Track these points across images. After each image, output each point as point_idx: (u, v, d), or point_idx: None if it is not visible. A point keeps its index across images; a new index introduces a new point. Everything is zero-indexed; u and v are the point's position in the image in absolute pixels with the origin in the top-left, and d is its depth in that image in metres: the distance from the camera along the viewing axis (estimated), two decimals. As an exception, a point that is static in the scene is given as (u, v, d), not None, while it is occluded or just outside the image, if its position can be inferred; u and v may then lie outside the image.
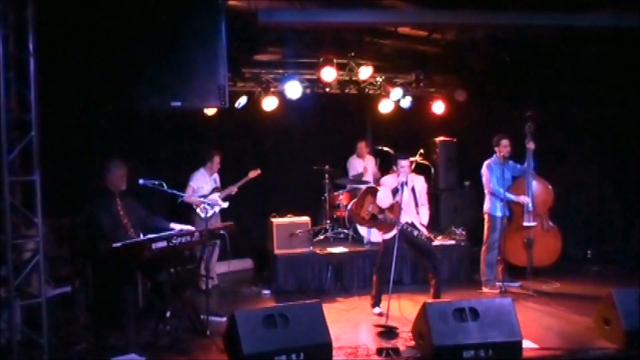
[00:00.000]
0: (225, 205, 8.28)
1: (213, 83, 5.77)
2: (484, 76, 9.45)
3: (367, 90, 9.81)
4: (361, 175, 9.50)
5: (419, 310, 5.43)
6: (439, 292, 6.74)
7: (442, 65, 9.59)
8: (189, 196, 7.65)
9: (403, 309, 6.43)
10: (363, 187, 8.51)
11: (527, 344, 5.39)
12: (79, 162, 7.38)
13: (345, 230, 8.98)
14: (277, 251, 8.16)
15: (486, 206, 7.80)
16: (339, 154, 9.88)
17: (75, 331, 5.92)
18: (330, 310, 6.32)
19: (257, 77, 9.07)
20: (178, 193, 6.32)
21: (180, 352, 5.57)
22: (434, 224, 8.05)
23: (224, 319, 5.96)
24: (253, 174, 8.60)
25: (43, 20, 5.33)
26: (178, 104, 5.74)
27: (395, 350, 5.45)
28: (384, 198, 6.72)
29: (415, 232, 6.56)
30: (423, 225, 6.74)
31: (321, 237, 9.02)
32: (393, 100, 9.56)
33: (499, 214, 7.69)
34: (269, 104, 9.05)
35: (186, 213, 7.85)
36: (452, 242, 8.61)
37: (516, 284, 7.79)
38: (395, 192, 6.62)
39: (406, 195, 6.59)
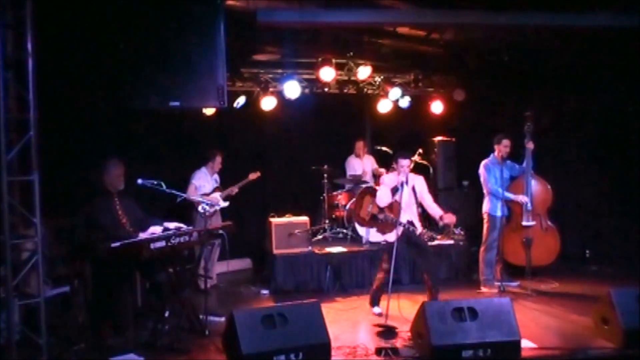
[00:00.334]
0: (226, 204, 8.32)
1: (212, 83, 5.76)
2: (483, 76, 9.45)
3: (365, 90, 9.82)
4: (360, 176, 9.50)
5: (417, 310, 5.43)
6: (435, 295, 6.71)
7: (441, 65, 9.59)
8: (191, 194, 7.69)
9: (402, 309, 6.42)
10: (362, 187, 8.54)
11: (525, 343, 5.39)
12: (77, 162, 7.37)
13: (344, 230, 8.98)
14: (275, 251, 8.16)
15: (486, 206, 7.80)
16: (338, 153, 9.88)
17: (74, 331, 5.92)
18: (328, 310, 6.32)
19: (255, 77, 9.09)
20: (177, 193, 6.32)
21: (179, 352, 5.56)
22: (433, 224, 8.06)
23: (223, 318, 5.98)
24: (253, 176, 8.63)
25: (41, 19, 5.32)
26: (177, 104, 5.74)
27: (394, 350, 5.45)
28: (383, 196, 6.70)
29: (417, 232, 6.53)
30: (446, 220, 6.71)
31: (320, 237, 9.02)
32: (392, 100, 9.57)
33: (498, 213, 7.70)
34: (268, 103, 9.05)
35: (186, 212, 7.85)
36: (451, 241, 8.61)
37: (515, 284, 7.79)
38: (394, 191, 6.60)
39: (406, 195, 6.58)
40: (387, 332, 6.06)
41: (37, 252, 5.26)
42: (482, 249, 7.83)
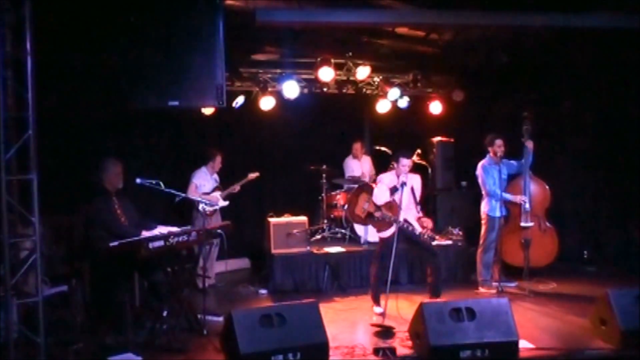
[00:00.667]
0: (226, 203, 8.35)
1: (211, 82, 5.74)
2: (481, 76, 9.46)
3: (364, 90, 9.81)
4: (358, 177, 9.50)
5: (415, 310, 5.41)
6: (437, 292, 6.73)
7: (440, 66, 9.60)
8: (191, 193, 7.73)
9: (400, 309, 6.42)
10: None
11: (523, 344, 5.39)
12: (76, 161, 7.39)
13: (342, 230, 8.99)
14: (274, 251, 8.17)
15: (484, 207, 7.78)
16: (337, 153, 9.88)
17: (72, 330, 5.91)
18: (327, 310, 6.31)
19: (254, 77, 9.08)
20: (175, 192, 6.32)
21: (177, 351, 5.56)
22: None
23: (221, 318, 5.97)
24: (252, 175, 8.65)
25: (40, 19, 5.31)
26: (176, 103, 5.73)
27: (392, 350, 5.44)
28: (380, 195, 6.69)
29: (417, 231, 6.51)
30: (425, 224, 6.72)
31: (318, 236, 9.03)
32: (390, 100, 9.56)
33: (497, 214, 7.70)
34: (267, 103, 9.05)
35: (186, 211, 7.85)
36: (449, 242, 8.62)
37: (513, 284, 7.80)
38: (394, 190, 6.59)
39: (406, 195, 6.58)
40: (385, 332, 6.06)
41: (36, 251, 5.24)
42: (479, 250, 7.83)
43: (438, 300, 6.53)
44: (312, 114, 9.71)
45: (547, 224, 7.96)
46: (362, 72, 9.02)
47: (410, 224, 6.57)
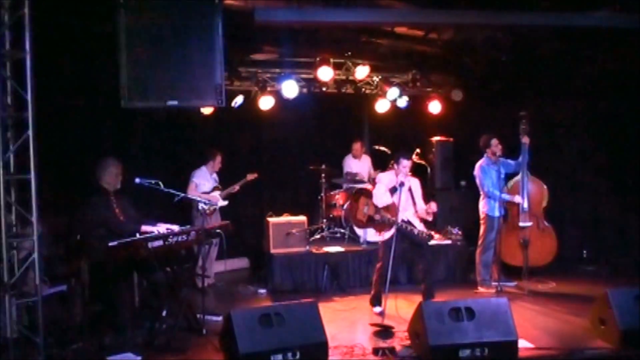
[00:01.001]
0: (225, 203, 8.37)
1: (210, 82, 5.74)
2: (481, 76, 9.47)
3: (363, 89, 9.82)
4: (356, 175, 9.51)
5: (415, 310, 5.42)
6: (431, 294, 6.73)
7: (439, 65, 9.60)
8: (191, 192, 7.78)
9: (399, 309, 6.44)
10: (358, 186, 8.55)
11: (522, 343, 5.39)
12: (75, 161, 7.39)
13: (342, 230, 9.00)
14: (273, 250, 8.18)
15: (483, 207, 7.79)
16: (336, 153, 9.88)
17: (71, 330, 5.91)
18: (326, 310, 6.30)
19: (253, 77, 9.08)
20: (174, 192, 6.33)
21: (176, 351, 5.56)
22: (430, 224, 8.06)
23: (220, 318, 5.98)
24: (251, 176, 8.68)
25: (40, 19, 5.31)
26: (174, 103, 5.73)
27: (392, 350, 5.45)
28: (380, 196, 6.70)
29: (416, 231, 6.51)
30: (423, 223, 6.72)
31: (317, 236, 9.03)
32: (390, 99, 9.56)
33: (496, 214, 7.71)
34: (266, 103, 9.05)
35: (185, 210, 7.86)
36: (449, 241, 8.63)
37: (512, 284, 7.81)
38: (393, 191, 6.60)
39: (404, 196, 6.58)
40: (385, 332, 6.06)
41: (35, 251, 5.25)
42: (478, 249, 7.84)
43: (437, 300, 6.53)
44: (311, 114, 9.72)
45: (546, 224, 7.97)
46: (361, 71, 9.03)
47: (409, 224, 6.57)
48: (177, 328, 5.92)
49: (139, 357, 5.38)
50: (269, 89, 9.06)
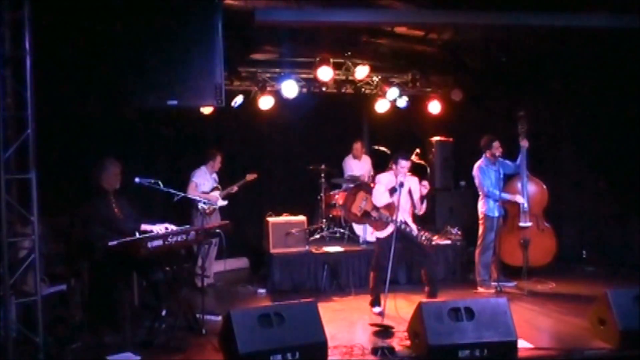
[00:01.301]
0: (225, 203, 8.39)
1: (210, 82, 5.76)
2: (480, 76, 9.49)
3: (363, 89, 9.84)
4: (357, 176, 9.51)
5: (414, 310, 5.43)
6: (435, 293, 6.73)
7: (439, 65, 9.62)
8: (190, 191, 7.79)
9: (399, 309, 6.42)
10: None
11: (522, 343, 5.41)
12: (75, 161, 7.40)
13: (341, 230, 9.01)
14: (273, 250, 8.19)
15: (482, 207, 7.80)
16: (335, 153, 9.88)
17: (71, 329, 5.91)
18: (325, 310, 6.29)
19: (253, 76, 9.11)
20: (174, 192, 6.34)
21: (176, 350, 5.57)
22: (430, 224, 8.08)
23: (220, 317, 5.99)
24: (250, 177, 8.70)
25: (39, 18, 5.32)
26: (174, 102, 5.75)
27: (391, 350, 5.45)
28: (380, 196, 6.71)
29: (415, 232, 6.51)
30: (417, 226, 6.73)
31: (317, 236, 9.03)
32: (389, 99, 9.58)
33: (495, 214, 7.72)
34: (266, 103, 9.07)
35: (185, 210, 7.87)
36: (448, 241, 8.63)
37: (511, 284, 7.81)
38: (392, 192, 6.60)
39: (403, 196, 6.58)
40: (384, 331, 6.07)
41: (35, 250, 5.26)
42: (478, 250, 7.85)
43: (437, 299, 6.53)
44: (311, 114, 9.71)
45: (545, 224, 7.98)
46: (361, 71, 9.05)
47: (408, 225, 6.58)
48: (176, 327, 5.93)
49: (139, 357, 5.39)
50: (268, 88, 9.08)
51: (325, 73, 8.67)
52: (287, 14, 6.62)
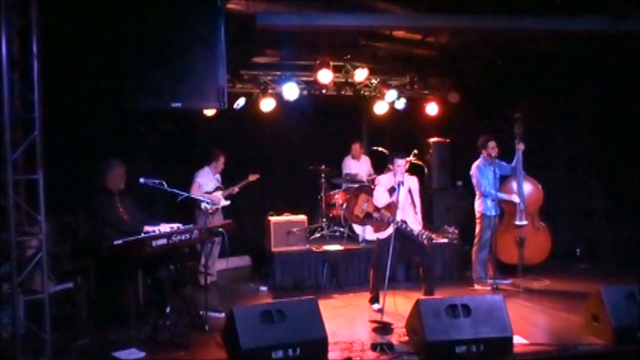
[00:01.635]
0: (227, 203, 8.47)
1: (212, 84, 5.81)
2: (477, 79, 9.57)
3: (362, 92, 9.89)
4: (356, 175, 9.60)
5: (412, 307, 5.49)
6: (431, 290, 6.79)
7: (436, 68, 9.70)
8: (194, 191, 7.88)
9: (398, 306, 6.47)
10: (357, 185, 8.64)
11: (517, 339, 5.45)
12: (81, 161, 7.44)
13: (341, 229, 9.06)
14: (274, 249, 8.26)
15: (479, 206, 7.89)
16: (335, 154, 9.95)
17: (77, 326, 6.01)
18: (326, 307, 6.32)
19: (255, 79, 9.16)
20: (178, 192, 6.41)
21: (180, 347, 5.63)
22: (428, 223, 8.13)
23: (223, 314, 6.04)
24: (253, 177, 8.76)
25: (46, 22, 5.39)
26: (178, 104, 5.78)
27: (390, 346, 5.52)
28: (380, 197, 6.77)
29: (415, 231, 6.53)
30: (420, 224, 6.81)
31: (317, 235, 9.11)
32: (388, 101, 9.64)
33: (492, 213, 7.79)
34: (267, 105, 9.14)
35: (188, 210, 7.96)
36: (445, 240, 8.70)
37: (507, 282, 7.87)
38: (392, 191, 6.66)
39: (402, 195, 6.65)
40: (383, 328, 6.14)
41: (42, 249, 5.30)
42: (474, 248, 7.93)
43: (434, 297, 6.60)
44: (312, 115, 9.78)
45: (541, 223, 8.05)
46: (360, 74, 9.11)
47: (408, 224, 6.65)
48: (180, 324, 6.03)
49: (143, 353, 5.45)
50: (270, 91, 9.14)
51: (325, 76, 8.73)
52: (288, 18, 6.65)
